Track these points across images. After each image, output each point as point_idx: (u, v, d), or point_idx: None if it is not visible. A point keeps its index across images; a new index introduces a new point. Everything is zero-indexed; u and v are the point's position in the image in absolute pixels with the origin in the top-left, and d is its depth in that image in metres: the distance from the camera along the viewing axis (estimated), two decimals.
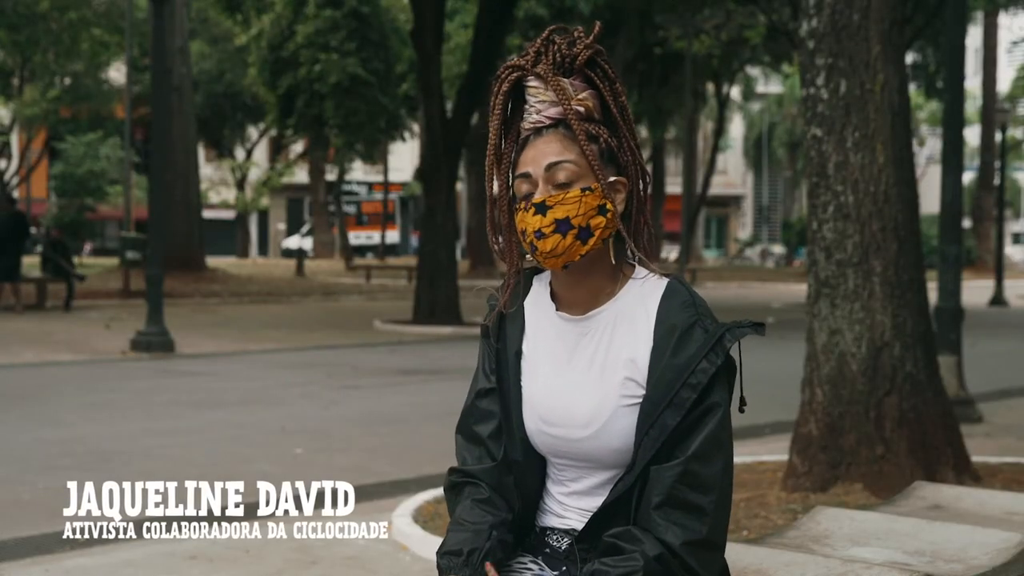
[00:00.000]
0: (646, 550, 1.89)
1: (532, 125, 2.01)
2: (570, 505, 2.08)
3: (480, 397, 2.13)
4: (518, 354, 2.09)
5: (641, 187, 2.05)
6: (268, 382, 11.12)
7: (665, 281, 2.03)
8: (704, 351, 1.95)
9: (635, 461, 1.97)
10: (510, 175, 2.04)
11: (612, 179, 2.00)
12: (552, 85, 1.99)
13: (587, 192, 1.97)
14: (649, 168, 2.17)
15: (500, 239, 2.09)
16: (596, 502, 2.04)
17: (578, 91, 2.01)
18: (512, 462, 2.08)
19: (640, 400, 1.98)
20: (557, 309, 2.08)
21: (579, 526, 2.05)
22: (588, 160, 1.98)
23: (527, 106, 2.02)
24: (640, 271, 2.05)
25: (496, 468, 2.08)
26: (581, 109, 1.99)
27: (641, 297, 2.02)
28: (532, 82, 2.01)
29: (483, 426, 2.11)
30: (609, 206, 1.99)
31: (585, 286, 2.04)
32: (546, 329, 2.09)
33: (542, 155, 1.99)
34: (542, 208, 1.97)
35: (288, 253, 48.16)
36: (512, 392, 2.09)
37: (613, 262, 2.03)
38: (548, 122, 2.00)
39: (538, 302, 2.11)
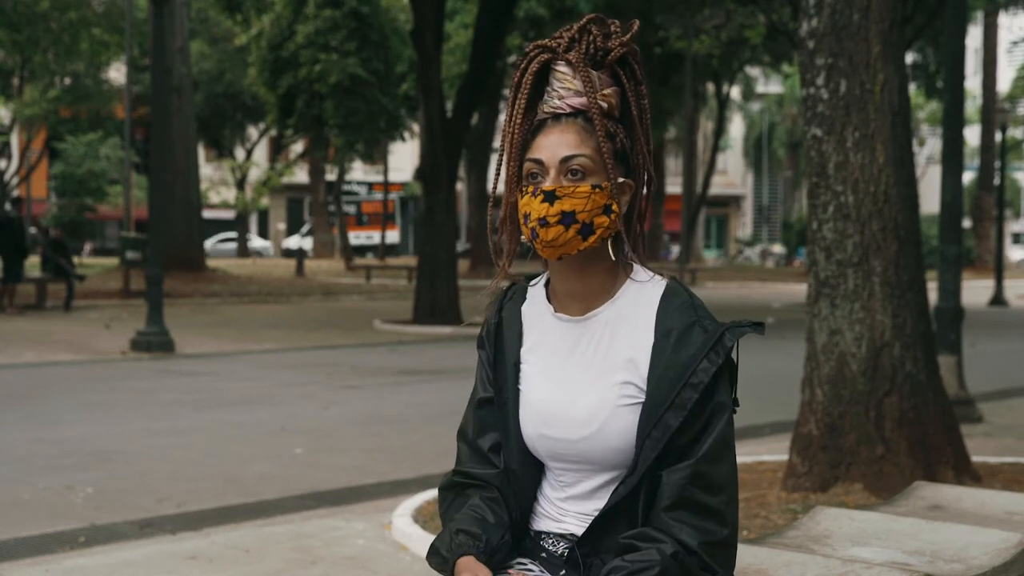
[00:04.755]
0: (663, 548, 1.89)
1: (552, 110, 1.99)
2: (567, 509, 2.07)
3: (479, 408, 2.13)
4: (516, 364, 2.09)
5: (645, 191, 2.04)
6: (268, 382, 11.12)
7: (664, 282, 2.02)
8: (704, 350, 1.94)
9: (637, 463, 1.96)
10: (520, 155, 2.01)
11: (620, 180, 1.99)
12: (581, 75, 1.97)
13: (597, 190, 1.96)
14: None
15: (501, 236, 2.07)
16: (594, 506, 2.03)
17: (603, 85, 1.99)
18: (509, 471, 2.08)
19: (639, 401, 1.97)
20: (556, 311, 2.07)
21: (577, 530, 2.04)
22: (603, 157, 1.96)
23: (549, 89, 2.00)
24: (639, 272, 2.04)
25: (500, 474, 2.09)
26: (604, 105, 1.98)
27: (640, 298, 2.01)
28: (561, 67, 1.99)
29: (484, 438, 2.12)
30: (615, 207, 1.98)
31: (584, 281, 2.03)
32: (544, 332, 2.08)
33: (559, 144, 1.97)
34: (551, 197, 1.95)
35: (288, 253, 48.17)
36: (510, 401, 2.08)
37: (613, 258, 2.02)
38: (569, 110, 1.98)
39: (535, 307, 2.11)
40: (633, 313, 2.01)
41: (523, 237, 2.02)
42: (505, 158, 2.02)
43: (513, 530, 2.08)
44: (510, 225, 2.05)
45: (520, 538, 2.11)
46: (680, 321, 1.97)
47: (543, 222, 1.94)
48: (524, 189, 1.99)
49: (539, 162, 1.97)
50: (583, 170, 1.95)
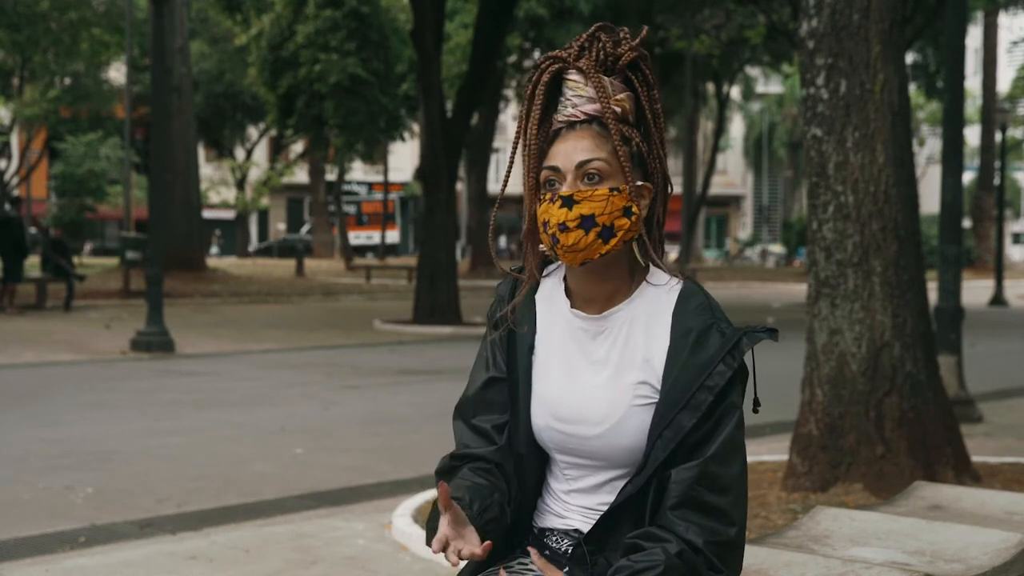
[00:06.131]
0: (668, 547, 1.89)
1: (566, 118, 1.99)
2: (571, 503, 2.07)
3: (486, 387, 2.11)
4: (531, 348, 2.08)
5: (664, 195, 2.04)
6: (268, 382, 11.12)
7: (680, 284, 2.03)
8: (721, 354, 1.94)
9: (647, 462, 1.96)
10: (538, 164, 2.01)
11: (639, 183, 1.99)
12: (593, 81, 1.97)
13: (615, 192, 1.95)
14: None
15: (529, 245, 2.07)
16: (599, 500, 2.03)
17: (616, 91, 1.99)
18: (517, 455, 2.08)
19: (653, 400, 1.97)
20: (572, 306, 2.07)
21: (581, 526, 2.04)
22: (620, 161, 1.96)
23: (563, 99, 2.00)
24: (655, 274, 2.04)
25: (500, 450, 2.07)
26: (618, 109, 1.98)
27: (657, 299, 2.02)
28: (572, 76, 1.99)
29: (489, 416, 2.09)
30: (635, 209, 1.97)
31: (603, 285, 2.02)
32: (560, 326, 2.07)
33: (574, 150, 1.97)
34: (569, 202, 1.94)
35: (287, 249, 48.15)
36: (521, 385, 2.07)
37: (642, 263, 2.02)
38: (583, 117, 1.98)
39: (551, 297, 2.10)
40: (650, 313, 2.01)
41: (543, 247, 2.02)
42: (524, 171, 2.03)
43: (510, 499, 2.05)
44: (533, 237, 2.05)
45: (522, 536, 2.10)
46: (698, 322, 1.97)
47: (563, 227, 1.94)
48: (542, 197, 1.99)
49: (555, 169, 1.98)
50: (600, 174, 1.95)
